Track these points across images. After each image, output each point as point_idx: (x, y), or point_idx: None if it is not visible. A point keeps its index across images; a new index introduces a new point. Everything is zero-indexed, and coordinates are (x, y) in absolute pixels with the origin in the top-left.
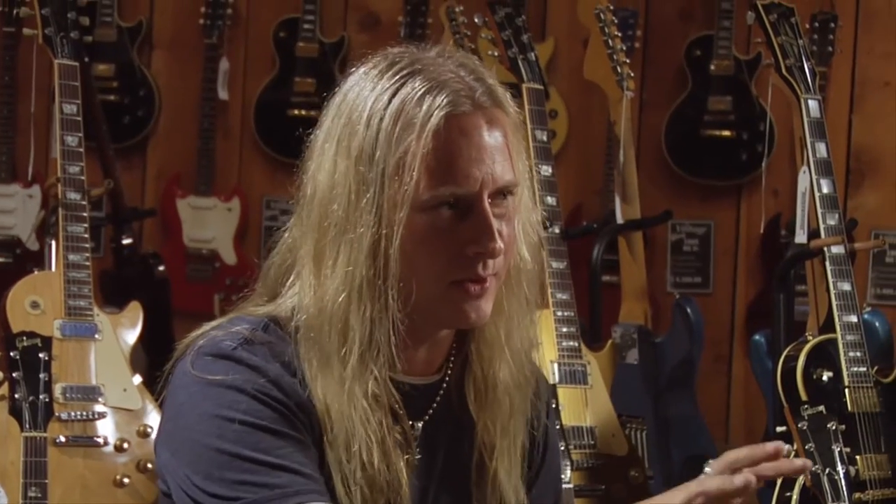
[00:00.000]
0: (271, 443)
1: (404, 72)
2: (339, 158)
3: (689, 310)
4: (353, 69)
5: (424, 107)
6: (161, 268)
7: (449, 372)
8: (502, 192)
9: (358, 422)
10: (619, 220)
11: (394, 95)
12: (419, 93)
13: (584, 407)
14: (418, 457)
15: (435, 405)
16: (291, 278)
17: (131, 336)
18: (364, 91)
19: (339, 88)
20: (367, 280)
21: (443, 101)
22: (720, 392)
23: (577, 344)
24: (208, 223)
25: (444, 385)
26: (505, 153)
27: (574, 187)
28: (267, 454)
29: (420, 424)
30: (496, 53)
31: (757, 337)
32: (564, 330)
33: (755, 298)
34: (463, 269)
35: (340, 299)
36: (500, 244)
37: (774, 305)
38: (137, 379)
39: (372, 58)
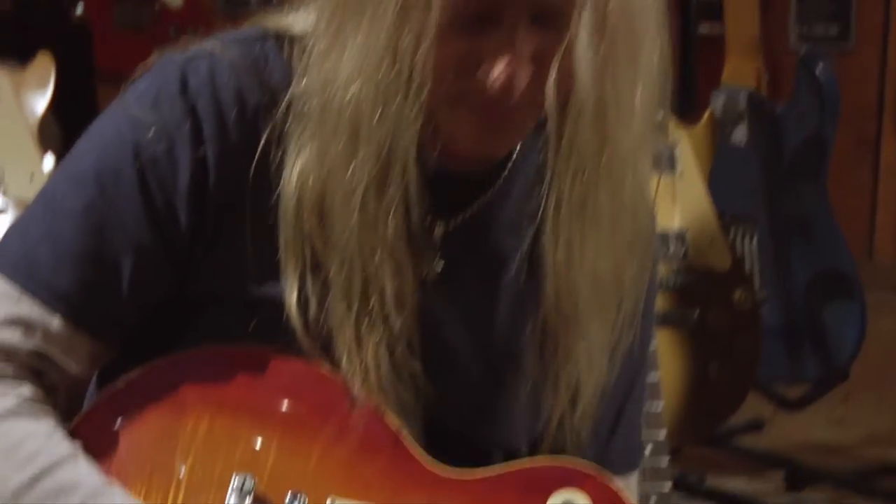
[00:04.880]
0: (94, 220)
1: None
2: None
3: (819, 70)
4: None
5: None
6: (79, 10)
7: (510, 165)
8: (545, 16)
9: (365, 248)
10: None
11: None
12: None
13: (671, 203)
14: (440, 266)
15: (478, 203)
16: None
17: (40, 102)
18: None
19: None
20: (386, 77)
21: None
22: (863, 185)
23: (660, 115)
24: None
25: (502, 179)
26: None
27: None
28: (75, 228)
29: (445, 225)
30: None
31: None
32: None
33: None
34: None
35: (353, 88)
36: (520, 80)
37: None
38: (49, 161)
39: None
